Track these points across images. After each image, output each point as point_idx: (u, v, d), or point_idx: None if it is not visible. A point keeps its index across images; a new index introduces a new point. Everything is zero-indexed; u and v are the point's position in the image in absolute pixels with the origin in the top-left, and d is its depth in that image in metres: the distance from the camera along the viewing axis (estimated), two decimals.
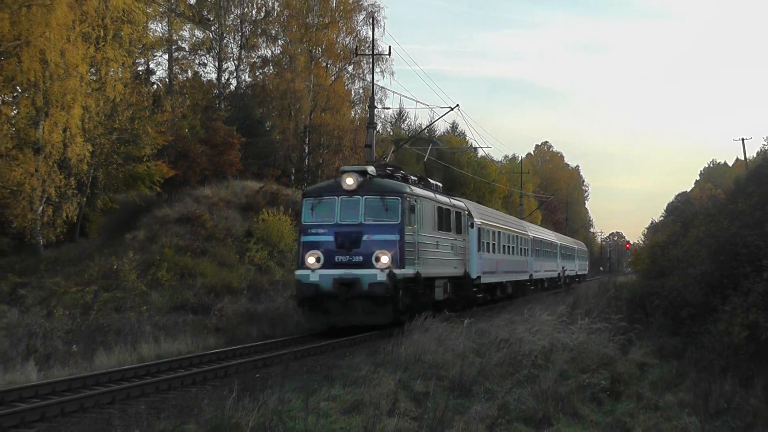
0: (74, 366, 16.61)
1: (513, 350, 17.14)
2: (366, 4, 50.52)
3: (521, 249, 45.53)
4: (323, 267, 22.99)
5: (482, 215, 36.84)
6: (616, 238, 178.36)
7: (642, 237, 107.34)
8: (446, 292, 28.15)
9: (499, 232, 38.78)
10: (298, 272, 23.37)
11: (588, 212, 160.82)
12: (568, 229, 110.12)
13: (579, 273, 76.38)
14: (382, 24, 53.42)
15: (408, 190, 24.35)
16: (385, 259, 22.81)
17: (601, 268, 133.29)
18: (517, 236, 44.30)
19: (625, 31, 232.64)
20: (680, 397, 13.53)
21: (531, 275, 48.11)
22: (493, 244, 37.27)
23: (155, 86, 44.46)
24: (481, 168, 74.30)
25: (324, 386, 14.03)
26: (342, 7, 50.07)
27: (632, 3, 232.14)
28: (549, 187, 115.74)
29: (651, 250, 32.94)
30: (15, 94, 32.17)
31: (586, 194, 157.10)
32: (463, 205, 32.62)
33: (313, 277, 22.89)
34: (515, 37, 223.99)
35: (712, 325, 16.70)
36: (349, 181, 23.50)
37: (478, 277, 33.15)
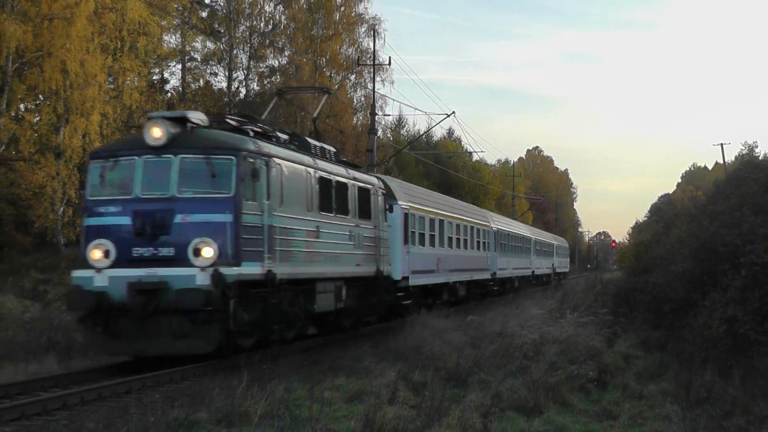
0: (93, 358, 16.59)
1: (506, 343, 17.16)
2: (367, 17, 50.53)
3: (480, 243, 37.18)
4: (114, 265, 14.89)
5: (411, 197, 27.70)
6: (602, 237, 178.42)
7: (627, 236, 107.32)
8: (341, 300, 19.94)
9: (440, 221, 30.34)
10: (76, 273, 15.23)
11: (576, 213, 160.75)
12: (557, 228, 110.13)
13: (559, 271, 69.09)
14: (383, 36, 53.40)
15: (252, 146, 15.66)
16: (208, 252, 14.66)
17: (589, 266, 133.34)
18: (472, 227, 35.80)
19: (612, 42, 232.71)
20: (663, 386, 13.54)
21: (494, 273, 39.80)
22: (432, 236, 28.99)
23: (169, 94, 44.54)
24: (476, 171, 74.33)
25: (328, 377, 14.05)
26: (345, 20, 50.04)
27: (619, 16, 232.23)
28: (540, 189, 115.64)
29: (635, 249, 32.93)
30: (37, 101, 32.32)
31: (574, 196, 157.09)
32: (376, 181, 23.39)
33: (99, 281, 14.79)
34: (508, 47, 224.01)
35: (693, 319, 16.70)
36: (156, 133, 15.13)
37: (405, 279, 25.01)
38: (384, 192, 23.73)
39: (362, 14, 50.40)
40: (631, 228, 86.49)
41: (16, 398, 11.97)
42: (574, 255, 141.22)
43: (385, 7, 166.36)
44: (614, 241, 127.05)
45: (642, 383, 14.07)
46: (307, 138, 20.70)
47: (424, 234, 27.90)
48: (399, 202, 25.23)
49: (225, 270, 14.47)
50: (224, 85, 49.28)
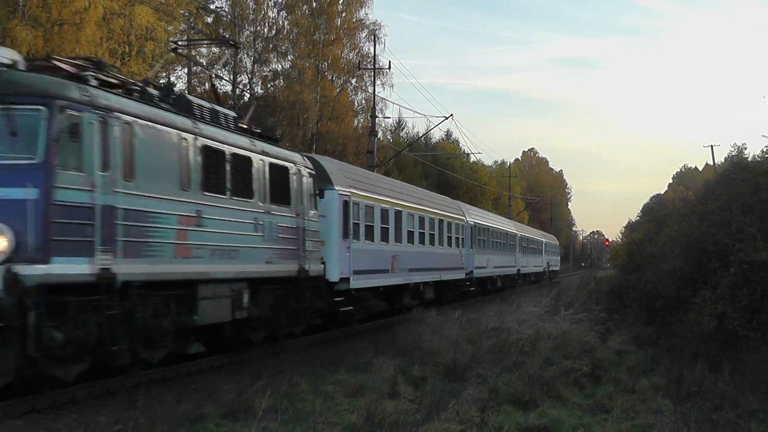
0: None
1: (502, 339, 17.17)
2: (368, 22, 50.50)
3: (453, 238, 32.62)
4: None
5: (355, 181, 22.58)
6: (596, 236, 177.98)
7: (620, 235, 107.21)
8: (241, 308, 15.39)
9: (397, 212, 25.48)
10: None
11: (571, 212, 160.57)
12: (552, 227, 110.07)
13: (551, 269, 67.05)
14: (383, 41, 53.31)
15: (75, 93, 11.20)
16: None
17: (583, 264, 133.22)
18: (442, 221, 30.99)
19: (604, 47, 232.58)
20: (655, 381, 13.55)
21: (470, 272, 35.32)
22: (384, 229, 24.17)
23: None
24: (473, 172, 74.22)
25: (330, 372, 14.05)
26: (346, 26, 50.02)
27: (612, 21, 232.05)
28: (535, 189, 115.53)
29: (628, 247, 32.93)
30: None
31: (569, 196, 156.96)
32: (299, 159, 18.59)
33: None
34: (504, 53, 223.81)
35: (684, 316, 16.73)
36: None
37: (344, 280, 20.79)
38: (312, 173, 18.71)
39: (363, 20, 50.43)
40: (624, 227, 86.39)
41: (26, 393, 11.93)
42: (569, 253, 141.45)
43: (385, 13, 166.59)
44: (607, 240, 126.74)
45: (634, 378, 14.07)
46: (194, 98, 15.73)
47: (373, 227, 23.01)
48: (336, 187, 20.45)
49: (23, 269, 10.19)
50: (229, 88, 49.30)
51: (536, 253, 58.28)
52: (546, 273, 63.80)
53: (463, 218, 34.84)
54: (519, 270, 49.98)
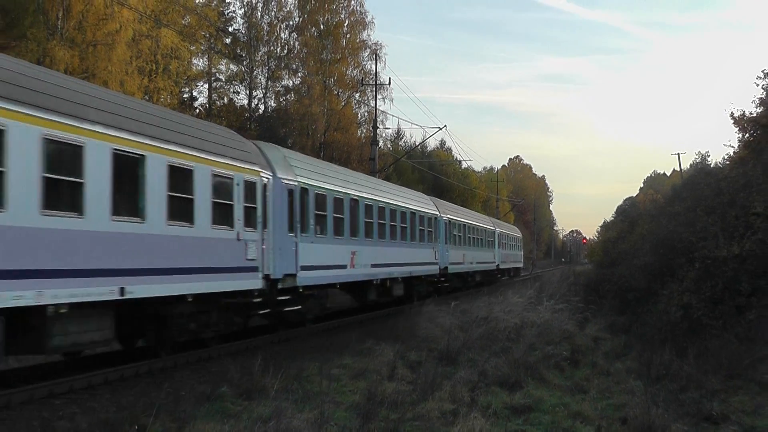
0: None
1: (491, 327, 17.14)
2: (370, 43, 50.50)
3: (426, 233, 28.12)
4: None
5: (304, 170, 18.65)
6: (575, 234, 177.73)
7: (596, 234, 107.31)
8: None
9: (353, 201, 21.12)
10: None
11: (552, 213, 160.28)
12: (535, 227, 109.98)
13: (512, 266, 53.19)
14: (384, 59, 53.10)
15: None
16: None
17: (563, 260, 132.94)
18: (414, 214, 26.78)
19: (583, 65, 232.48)
20: (627, 365, 13.54)
21: (445, 268, 30.68)
22: (338, 220, 20.04)
23: (198, 111, 44.47)
24: (465, 177, 74.10)
25: (335, 357, 14.04)
26: (350, 46, 50.00)
27: (589, 42, 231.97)
28: (520, 193, 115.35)
29: (603, 245, 32.94)
30: None
31: (550, 198, 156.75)
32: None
33: None
34: (493, 70, 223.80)
35: (654, 306, 16.72)
36: None
37: (290, 276, 17.12)
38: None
39: (366, 40, 50.43)
40: (600, 226, 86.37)
41: (65, 375, 11.94)
42: (551, 250, 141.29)
43: (386, 34, 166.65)
44: (585, 238, 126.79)
45: (609, 362, 14.06)
46: None
47: (326, 218, 19.20)
48: (280, 176, 16.84)
49: None
50: (245, 102, 49.31)
51: (488, 246, 42.85)
52: (497, 271, 46.60)
53: (436, 213, 30.40)
54: (498, 265, 44.92)
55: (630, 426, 8.83)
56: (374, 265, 22.41)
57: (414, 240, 26.80)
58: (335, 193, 19.90)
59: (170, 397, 10.43)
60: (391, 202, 24.69)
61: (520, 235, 60.55)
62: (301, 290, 17.79)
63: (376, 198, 23.23)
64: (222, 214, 14.41)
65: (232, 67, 47.77)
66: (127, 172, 11.75)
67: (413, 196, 29.53)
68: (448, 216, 32.44)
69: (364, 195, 22.13)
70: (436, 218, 30.31)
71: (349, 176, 22.84)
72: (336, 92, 50.08)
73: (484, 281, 40.33)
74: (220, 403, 10.01)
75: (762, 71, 22.05)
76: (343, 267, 20.22)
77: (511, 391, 11.09)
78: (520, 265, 59.81)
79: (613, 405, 10.45)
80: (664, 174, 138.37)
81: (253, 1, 47.53)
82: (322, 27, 48.94)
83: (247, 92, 48.95)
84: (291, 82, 50.08)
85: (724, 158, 25.62)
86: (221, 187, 14.48)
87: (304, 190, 18.09)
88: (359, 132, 51.54)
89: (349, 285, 21.36)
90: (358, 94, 51.09)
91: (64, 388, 11.06)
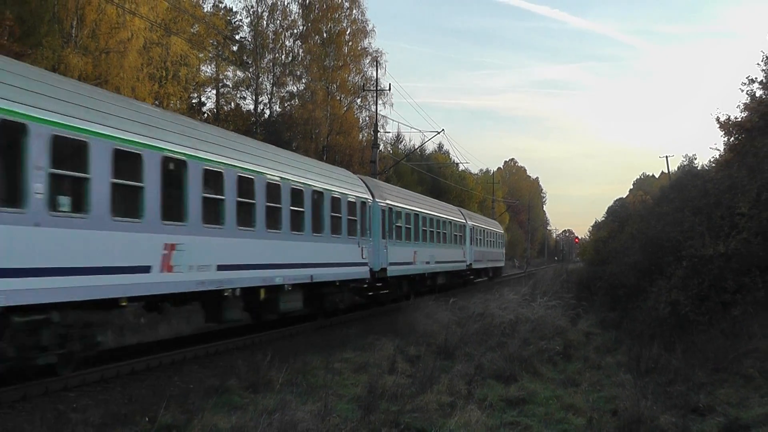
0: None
1: (486, 322, 17.14)
2: (371, 50, 50.45)
3: (345, 223, 19.64)
4: None
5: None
6: (567, 234, 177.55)
7: (588, 233, 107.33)
8: None
9: (217, 174, 13.57)
10: None
11: (546, 214, 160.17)
12: (529, 227, 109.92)
13: (491, 266, 43.69)
14: (384, 66, 53.18)
15: None
16: None
17: (556, 258, 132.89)
18: (321, 194, 18.16)
19: (575, 71, 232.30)
20: (618, 359, 13.54)
21: (382, 269, 22.48)
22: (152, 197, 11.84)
23: (206, 115, 44.48)
24: (462, 179, 74.12)
25: (338, 351, 14.04)
26: (352, 53, 49.97)
27: (581, 50, 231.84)
28: (515, 194, 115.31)
29: (595, 244, 32.91)
30: None
31: (544, 199, 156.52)
32: None
33: None
34: (489, 76, 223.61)
35: (643, 303, 16.70)
36: None
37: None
38: None
39: (367, 48, 50.38)
40: (592, 226, 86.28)
41: (78, 368, 11.92)
42: (544, 249, 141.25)
43: (386, 42, 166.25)
44: (577, 238, 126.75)
45: (600, 356, 14.07)
46: None
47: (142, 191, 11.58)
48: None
49: None
50: (251, 107, 49.31)
51: (454, 242, 33.36)
52: (470, 272, 37.52)
53: (368, 197, 21.64)
54: (470, 264, 36.46)
55: (620, 417, 8.83)
56: (228, 268, 13.95)
57: (321, 232, 18.10)
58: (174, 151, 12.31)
59: (180, 390, 10.43)
60: (286, 175, 16.54)
61: (502, 231, 51.02)
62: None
63: (250, 166, 14.90)
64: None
65: (239, 73, 47.79)
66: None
67: (329, 171, 20.44)
68: (388, 202, 23.48)
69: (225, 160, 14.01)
70: (369, 205, 21.62)
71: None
72: (338, 98, 50.06)
73: (451, 284, 32.04)
74: (228, 396, 10.01)
75: (747, 77, 22.13)
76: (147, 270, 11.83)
77: (506, 384, 11.09)
78: (501, 264, 49.85)
79: (604, 397, 10.45)
80: (653, 176, 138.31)
81: (259, 11, 47.54)
82: (325, 35, 48.93)
83: (254, 98, 48.94)
84: (295, 87, 50.09)
85: (710, 161, 25.62)
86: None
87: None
88: (360, 136, 51.54)
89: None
90: (359, 100, 51.09)
91: (77, 382, 11.05)
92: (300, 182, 17.22)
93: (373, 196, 22.49)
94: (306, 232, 17.39)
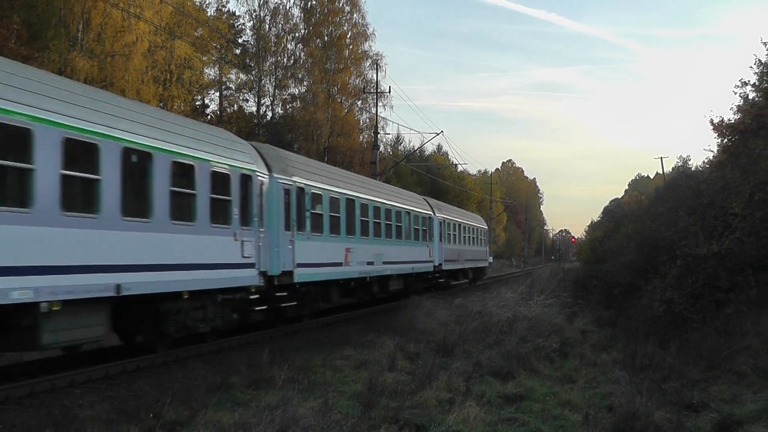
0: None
1: (485, 321, 17.13)
2: (371, 53, 50.46)
3: (234, 210, 13.93)
4: None
5: None
6: (564, 233, 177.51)
7: (584, 233, 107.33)
8: None
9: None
10: None
11: (542, 214, 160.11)
12: (527, 226, 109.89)
13: (469, 267, 36.55)
14: (384, 69, 52.98)
15: None
16: None
17: (553, 257, 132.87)
18: (189, 167, 12.63)
19: (572, 74, 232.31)
20: (613, 356, 13.53)
21: (287, 272, 16.09)
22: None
23: (209, 117, 44.47)
24: (460, 180, 74.09)
25: (338, 349, 14.03)
26: (353, 56, 49.98)
27: (577, 53, 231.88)
28: (512, 194, 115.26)
29: (591, 243, 32.93)
30: None
31: (541, 200, 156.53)
32: None
33: None
34: (487, 78, 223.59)
35: (638, 301, 16.71)
36: None
37: None
38: None
39: (367, 51, 50.38)
40: (588, 226, 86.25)
41: (84, 366, 11.94)
42: (541, 248, 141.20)
43: (386, 45, 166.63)
44: (574, 237, 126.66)
45: (596, 353, 14.06)
46: None
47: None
48: None
49: None
50: (254, 109, 49.30)
51: (419, 240, 27.40)
52: (438, 274, 30.35)
53: (257, 170, 15.18)
54: (439, 266, 29.64)
55: (616, 414, 8.83)
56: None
57: (193, 220, 12.86)
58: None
59: (183, 386, 10.43)
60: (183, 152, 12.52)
61: (485, 226, 43.23)
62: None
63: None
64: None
65: (242, 76, 47.78)
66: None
67: (215, 134, 14.83)
68: (297, 180, 17.04)
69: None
70: (249, 178, 14.74)
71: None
72: (339, 100, 50.06)
73: (412, 290, 26.25)
74: (231, 393, 10.00)
75: (740, 80, 22.15)
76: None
77: (504, 380, 11.09)
78: (484, 264, 41.96)
79: (600, 394, 10.45)
80: (648, 177, 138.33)
81: (262, 14, 47.55)
82: (326, 38, 48.94)
83: (256, 100, 48.94)
84: (297, 90, 50.10)
85: (704, 162, 25.66)
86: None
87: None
88: (361, 137, 51.53)
89: None
90: (360, 102, 51.10)
91: (83, 378, 11.06)
92: (182, 151, 12.46)
93: (270, 170, 15.94)
94: (108, 214, 10.63)
